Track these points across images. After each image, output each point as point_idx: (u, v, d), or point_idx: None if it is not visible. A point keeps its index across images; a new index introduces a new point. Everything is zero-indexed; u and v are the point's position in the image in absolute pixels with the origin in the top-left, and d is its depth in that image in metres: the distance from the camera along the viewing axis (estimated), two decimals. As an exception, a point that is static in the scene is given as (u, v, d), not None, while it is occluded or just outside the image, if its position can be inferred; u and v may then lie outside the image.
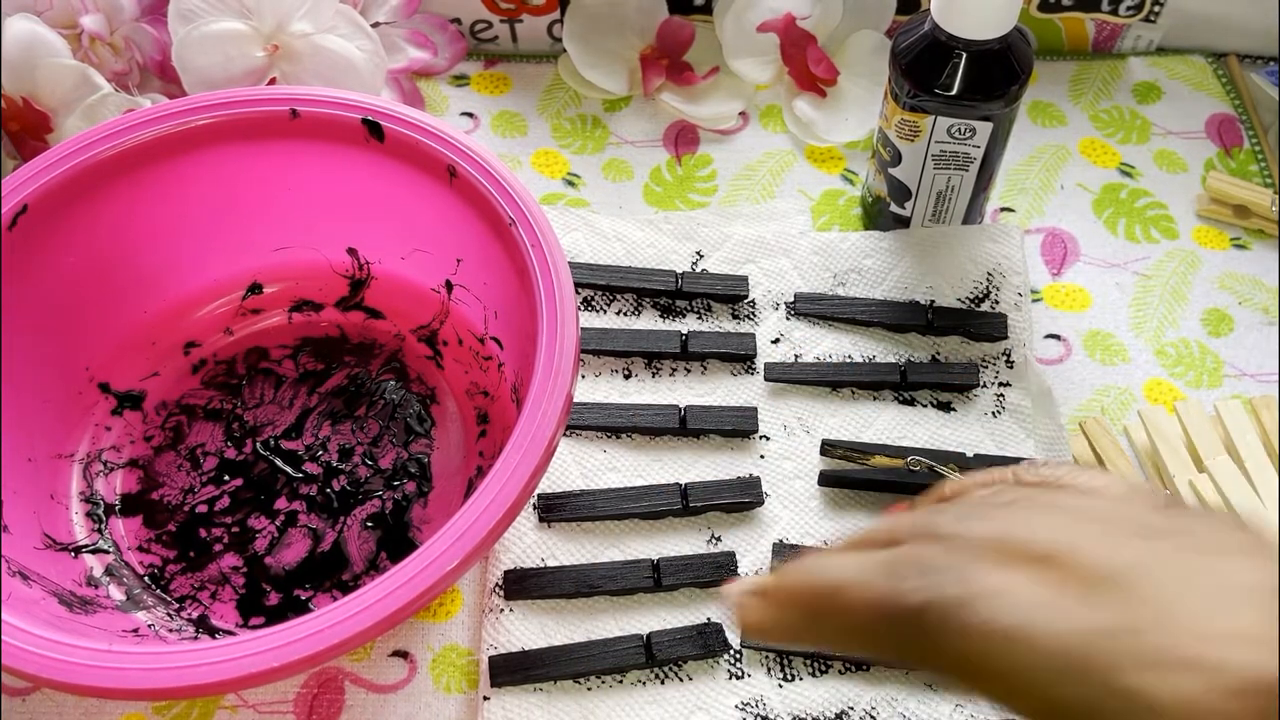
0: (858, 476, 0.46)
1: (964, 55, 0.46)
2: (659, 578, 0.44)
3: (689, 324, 0.51)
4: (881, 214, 0.54)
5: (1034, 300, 0.54)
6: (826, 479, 0.47)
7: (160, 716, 0.42)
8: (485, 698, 0.42)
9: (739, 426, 0.47)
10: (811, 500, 0.47)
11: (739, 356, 0.50)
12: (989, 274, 0.52)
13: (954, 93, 0.46)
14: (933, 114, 0.47)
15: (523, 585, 0.43)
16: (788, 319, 0.51)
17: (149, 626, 0.41)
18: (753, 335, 0.50)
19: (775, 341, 0.51)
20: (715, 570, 0.44)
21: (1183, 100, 0.61)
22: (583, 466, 0.47)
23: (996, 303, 0.51)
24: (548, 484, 0.46)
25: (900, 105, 0.48)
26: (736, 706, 0.42)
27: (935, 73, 0.46)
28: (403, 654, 0.44)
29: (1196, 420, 0.47)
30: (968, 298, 0.51)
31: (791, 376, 0.49)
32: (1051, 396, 0.48)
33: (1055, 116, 0.61)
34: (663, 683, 0.42)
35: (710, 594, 0.44)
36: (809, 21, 0.59)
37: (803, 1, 0.59)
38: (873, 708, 0.42)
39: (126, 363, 0.48)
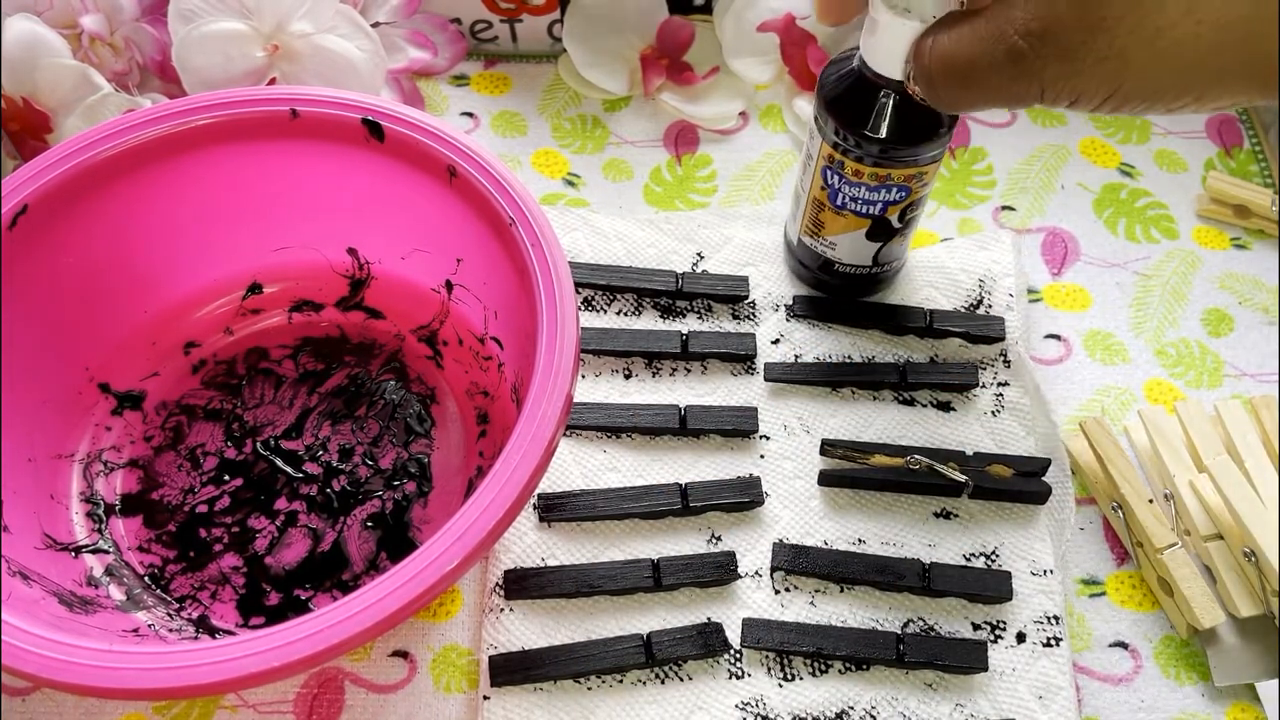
0: (858, 476, 0.46)
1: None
2: (659, 578, 0.44)
3: (689, 324, 0.51)
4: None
5: (1034, 300, 0.54)
6: (826, 479, 0.47)
7: (160, 716, 0.42)
8: (485, 697, 0.42)
9: (739, 426, 0.47)
10: (811, 500, 0.47)
11: (739, 356, 0.50)
12: (980, 280, 0.52)
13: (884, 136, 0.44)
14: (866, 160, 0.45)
15: (523, 585, 0.43)
16: (788, 320, 0.51)
17: (149, 626, 0.41)
18: (753, 335, 0.50)
19: (775, 342, 0.51)
20: (715, 570, 0.44)
21: (1183, 100, 0.61)
22: (583, 466, 0.47)
23: (990, 306, 0.51)
24: (548, 484, 0.46)
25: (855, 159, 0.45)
26: (736, 706, 0.42)
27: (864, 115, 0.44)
28: (403, 654, 0.44)
29: (1196, 420, 0.47)
30: (963, 307, 0.51)
31: (791, 376, 0.49)
32: (1040, 393, 0.48)
33: (1055, 116, 0.61)
34: (663, 682, 0.42)
35: (710, 594, 0.44)
36: (809, 21, 0.59)
37: (803, 1, 0.59)
38: (873, 707, 0.42)
39: (126, 363, 0.48)
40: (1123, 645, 0.45)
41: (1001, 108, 0.36)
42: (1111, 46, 0.32)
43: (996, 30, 0.34)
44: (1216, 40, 0.31)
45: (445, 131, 0.44)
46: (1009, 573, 0.44)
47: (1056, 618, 0.44)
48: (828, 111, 0.45)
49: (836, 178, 0.46)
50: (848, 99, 0.44)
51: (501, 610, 0.43)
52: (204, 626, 0.42)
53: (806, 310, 0.51)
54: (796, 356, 0.50)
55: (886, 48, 0.41)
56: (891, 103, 0.43)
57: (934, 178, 0.46)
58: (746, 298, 0.52)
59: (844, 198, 0.46)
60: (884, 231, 0.48)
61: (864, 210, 0.47)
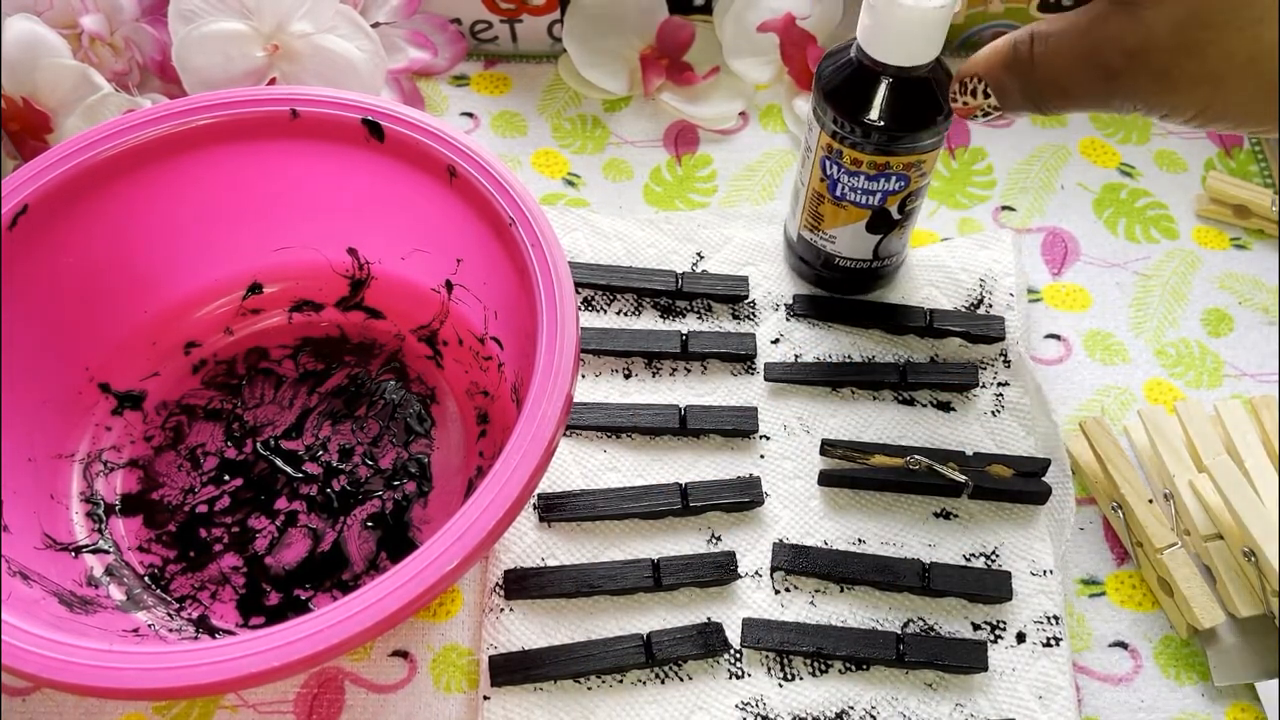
0: (858, 476, 0.46)
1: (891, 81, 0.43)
2: (659, 577, 0.44)
3: (689, 324, 0.51)
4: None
5: (1034, 300, 0.54)
6: (826, 479, 0.47)
7: (160, 716, 0.42)
8: (485, 697, 0.42)
9: (739, 426, 0.47)
10: (811, 500, 0.47)
11: (739, 356, 0.50)
12: (981, 280, 0.52)
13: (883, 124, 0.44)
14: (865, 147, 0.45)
15: (523, 585, 0.43)
16: (788, 320, 0.51)
17: (149, 626, 0.41)
18: (753, 335, 0.50)
19: (775, 342, 0.51)
20: (715, 570, 0.44)
21: (1183, 100, 0.61)
22: (583, 466, 0.47)
23: (990, 306, 0.51)
24: (548, 484, 0.46)
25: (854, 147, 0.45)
26: (736, 706, 0.42)
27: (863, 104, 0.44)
28: (403, 654, 0.44)
29: (1196, 420, 0.47)
30: (963, 306, 0.51)
31: (791, 376, 0.49)
32: (1042, 393, 0.48)
33: (1056, 116, 0.61)
34: (663, 682, 0.42)
35: (710, 594, 0.44)
36: (809, 21, 0.59)
37: (803, 1, 0.59)
38: (873, 707, 0.42)
39: (126, 363, 0.48)
40: (1123, 645, 0.45)
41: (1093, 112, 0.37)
42: (1205, 70, 0.32)
43: (1092, 46, 0.34)
44: None
45: (445, 131, 0.44)
46: (1009, 573, 0.44)
47: (1056, 618, 0.44)
48: (826, 101, 0.45)
49: (835, 168, 0.46)
50: (846, 87, 0.44)
51: (501, 610, 0.43)
52: (204, 626, 0.42)
53: (806, 310, 0.51)
54: (796, 356, 0.50)
55: (885, 33, 0.41)
56: (890, 89, 0.43)
57: (933, 167, 0.46)
58: (746, 297, 0.52)
59: (843, 188, 0.47)
60: (884, 223, 0.48)
61: (863, 201, 0.47)
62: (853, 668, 0.43)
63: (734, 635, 0.43)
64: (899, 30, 0.41)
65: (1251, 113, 0.33)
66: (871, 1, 0.41)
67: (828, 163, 0.46)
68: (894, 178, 0.45)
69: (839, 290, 0.52)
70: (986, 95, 0.39)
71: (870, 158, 0.45)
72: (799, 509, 0.46)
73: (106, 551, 0.44)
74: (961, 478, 0.46)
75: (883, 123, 0.43)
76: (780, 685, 0.42)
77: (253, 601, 0.43)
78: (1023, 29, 0.37)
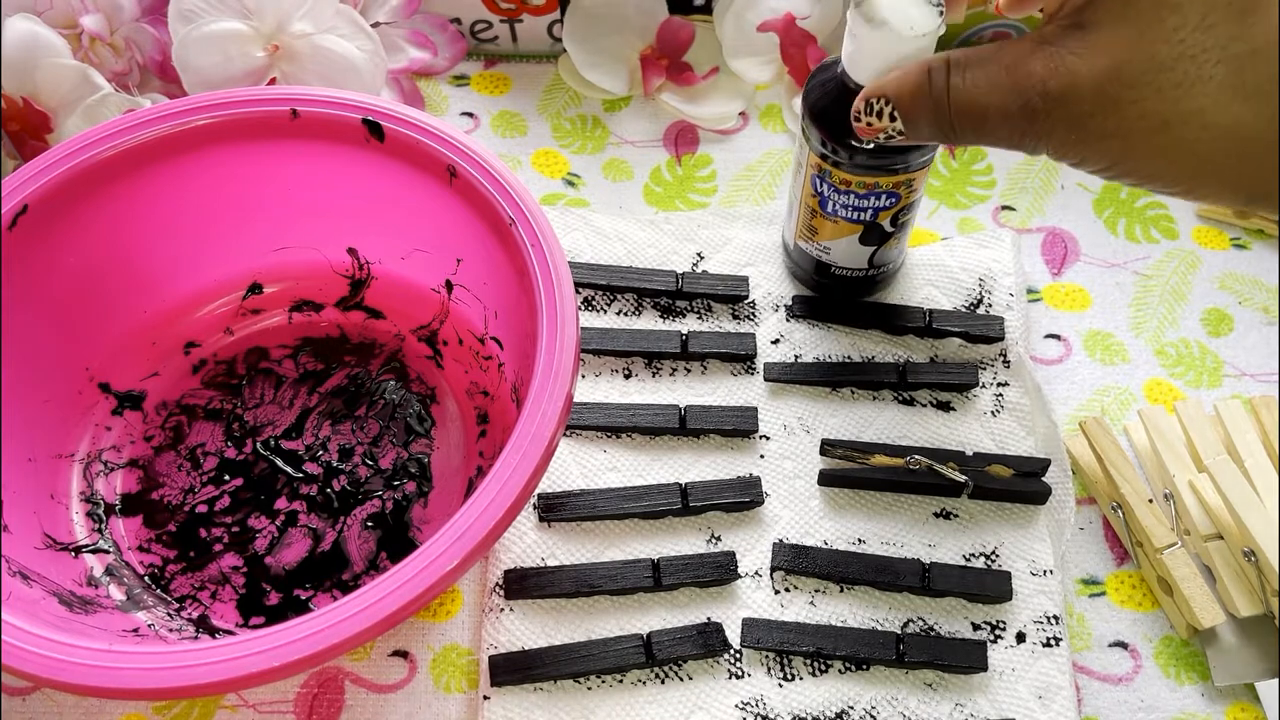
0: (858, 476, 0.46)
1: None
2: (659, 577, 0.44)
3: (689, 324, 0.51)
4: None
5: (1034, 300, 0.54)
6: (826, 478, 0.47)
7: (160, 716, 0.42)
8: (485, 697, 0.42)
9: (739, 426, 0.47)
10: (811, 500, 0.47)
11: (739, 356, 0.50)
12: (980, 279, 0.52)
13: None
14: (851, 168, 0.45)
15: (523, 585, 0.44)
16: (788, 320, 0.51)
17: (149, 626, 0.41)
18: (753, 335, 0.50)
19: (775, 342, 0.51)
20: (715, 570, 0.44)
21: (1183, 100, 0.61)
22: (583, 466, 0.47)
23: (990, 306, 0.51)
24: (548, 484, 0.46)
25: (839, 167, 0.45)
26: (736, 706, 0.42)
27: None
28: (403, 654, 0.44)
29: (1196, 420, 0.47)
30: (963, 306, 0.51)
31: (791, 376, 0.49)
32: (1042, 393, 0.48)
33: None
34: (663, 682, 0.42)
35: (710, 594, 0.44)
36: (809, 21, 0.59)
37: (803, 1, 0.59)
38: (873, 707, 0.42)
39: (126, 363, 0.48)
40: (1122, 645, 0.45)
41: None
42: (1119, 126, 0.32)
43: (1014, 84, 0.34)
44: (1218, 146, 0.31)
45: (445, 131, 0.44)
46: (1009, 573, 0.44)
47: (1056, 618, 0.44)
48: (813, 122, 0.45)
49: (826, 186, 0.46)
50: (832, 110, 0.44)
51: (501, 610, 0.43)
52: (204, 626, 0.42)
53: (806, 310, 0.51)
54: (796, 357, 0.50)
55: (867, 60, 0.41)
56: None
57: (924, 182, 0.46)
58: (746, 298, 0.52)
59: (834, 205, 0.47)
60: (877, 236, 0.48)
61: (854, 217, 0.47)
62: (853, 668, 0.43)
63: (734, 635, 0.43)
64: (883, 57, 0.40)
65: (1158, 175, 0.33)
66: (854, 29, 0.41)
67: (817, 180, 0.46)
68: (884, 195, 0.45)
69: (835, 297, 0.52)
70: (893, 119, 0.38)
71: (859, 178, 0.45)
72: (799, 509, 0.46)
73: (106, 551, 0.44)
74: (961, 478, 0.46)
75: (870, 146, 0.43)
76: (780, 685, 0.42)
77: (253, 601, 0.43)
78: (938, 57, 0.36)
